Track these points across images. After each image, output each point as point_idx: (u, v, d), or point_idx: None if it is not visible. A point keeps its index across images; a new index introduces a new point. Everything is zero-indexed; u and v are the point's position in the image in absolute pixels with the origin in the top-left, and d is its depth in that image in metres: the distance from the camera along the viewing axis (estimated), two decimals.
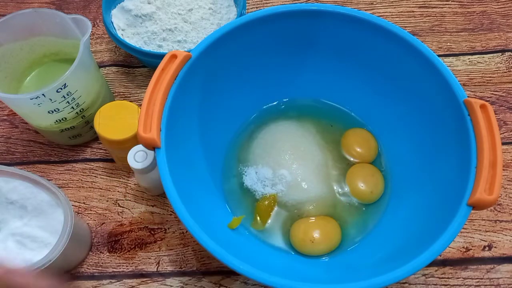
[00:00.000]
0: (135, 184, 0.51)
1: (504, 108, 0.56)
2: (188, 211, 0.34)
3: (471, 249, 0.47)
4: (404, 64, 0.43)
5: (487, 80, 0.58)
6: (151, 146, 0.36)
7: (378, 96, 0.48)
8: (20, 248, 0.40)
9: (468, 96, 0.38)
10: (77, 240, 0.44)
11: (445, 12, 0.64)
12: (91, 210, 0.50)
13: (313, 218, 0.45)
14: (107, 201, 0.50)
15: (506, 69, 0.58)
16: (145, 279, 0.46)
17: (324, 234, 0.43)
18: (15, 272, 0.31)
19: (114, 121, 0.46)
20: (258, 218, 0.45)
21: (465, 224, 0.42)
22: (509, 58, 0.59)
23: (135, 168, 0.43)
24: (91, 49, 0.57)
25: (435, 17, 0.63)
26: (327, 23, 0.44)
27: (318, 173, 0.47)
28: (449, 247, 0.47)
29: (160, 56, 0.42)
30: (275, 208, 0.46)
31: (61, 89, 0.44)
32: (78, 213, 0.50)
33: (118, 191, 0.51)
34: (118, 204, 0.50)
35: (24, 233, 0.41)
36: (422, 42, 0.41)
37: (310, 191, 0.46)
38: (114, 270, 0.46)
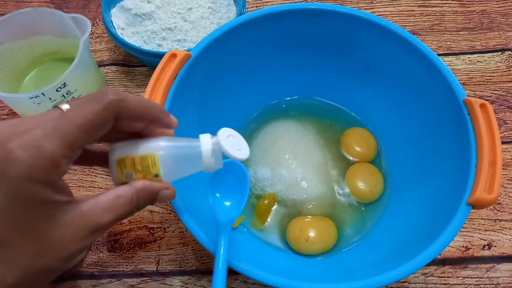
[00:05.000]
0: None
1: (503, 107, 0.56)
2: (188, 210, 0.34)
3: (470, 248, 0.47)
4: (404, 63, 0.43)
5: (486, 79, 0.58)
6: None
7: (378, 95, 0.48)
8: None
9: (468, 95, 0.38)
10: None
11: (445, 11, 0.64)
12: None
13: (310, 217, 0.45)
14: None
15: (506, 68, 0.58)
16: (144, 278, 0.46)
17: (319, 234, 0.43)
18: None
19: None
20: (258, 217, 0.45)
21: (465, 223, 0.42)
22: (509, 57, 0.59)
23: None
24: (90, 48, 0.57)
25: (435, 16, 0.63)
26: (327, 22, 0.44)
27: (318, 172, 0.47)
28: (449, 246, 0.47)
29: (160, 55, 0.42)
30: (275, 207, 0.46)
31: (61, 88, 0.44)
32: None
33: None
34: None
35: None
36: (422, 41, 0.41)
37: (309, 190, 0.46)
38: (114, 269, 0.46)
